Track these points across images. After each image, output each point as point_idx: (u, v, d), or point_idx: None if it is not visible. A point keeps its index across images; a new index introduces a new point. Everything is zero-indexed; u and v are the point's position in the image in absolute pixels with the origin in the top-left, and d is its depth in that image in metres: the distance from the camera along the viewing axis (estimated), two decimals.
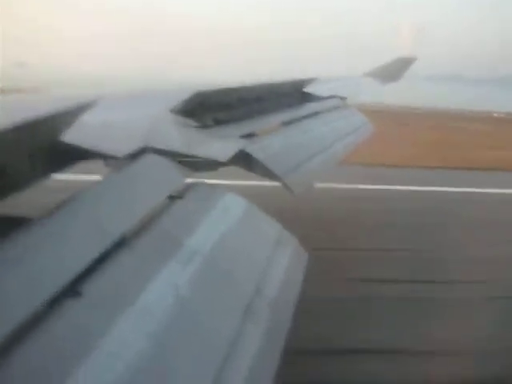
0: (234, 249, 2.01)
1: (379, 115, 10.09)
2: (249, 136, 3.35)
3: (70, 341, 1.21)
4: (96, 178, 2.02)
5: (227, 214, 2.20)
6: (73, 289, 1.33)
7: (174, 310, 1.45)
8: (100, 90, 4.18)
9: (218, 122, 3.38)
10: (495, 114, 21.59)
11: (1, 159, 1.78)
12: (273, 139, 3.64)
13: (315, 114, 4.98)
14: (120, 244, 1.60)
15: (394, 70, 9.96)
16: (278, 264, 2.09)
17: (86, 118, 2.02)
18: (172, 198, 2.06)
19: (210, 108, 3.46)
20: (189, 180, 2.34)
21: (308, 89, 5.35)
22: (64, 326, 1.24)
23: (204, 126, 3.19)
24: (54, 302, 1.27)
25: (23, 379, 1.07)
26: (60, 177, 2.17)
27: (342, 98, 6.42)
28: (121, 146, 2.26)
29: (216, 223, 2.06)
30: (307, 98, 5.29)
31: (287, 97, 4.92)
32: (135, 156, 2.23)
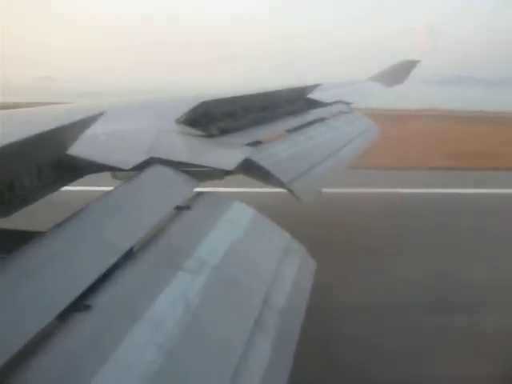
0: (242, 259, 2.01)
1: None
2: (254, 144, 3.35)
3: (81, 354, 1.21)
4: (104, 189, 2.04)
5: (235, 223, 2.20)
6: (82, 302, 1.34)
7: (184, 322, 1.45)
8: (107, 101, 4.22)
9: (224, 131, 3.39)
10: None
11: (10, 173, 1.80)
12: (278, 146, 3.64)
13: (320, 119, 4.97)
14: (129, 256, 1.61)
15: (398, 73, 9.96)
16: (287, 273, 2.08)
17: (93, 130, 2.04)
18: (180, 208, 2.07)
19: (215, 117, 3.48)
20: (196, 189, 2.36)
21: (312, 95, 5.35)
22: (74, 340, 1.24)
23: (210, 136, 3.21)
24: (64, 316, 1.28)
25: None
26: (69, 189, 2.19)
27: (347, 103, 6.42)
28: (128, 158, 2.28)
29: (224, 233, 2.06)
30: (312, 104, 5.30)
31: (292, 104, 4.93)
32: (142, 167, 2.24)
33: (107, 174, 2.60)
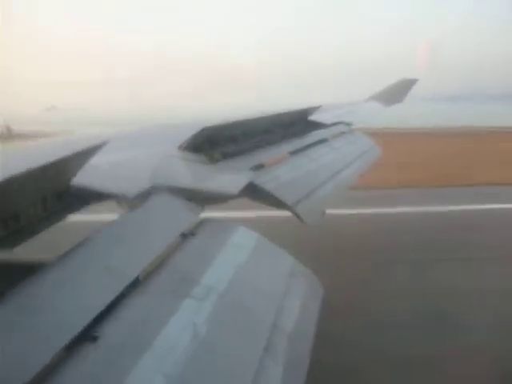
0: (248, 284, 2.00)
1: None
2: (257, 168, 3.37)
3: None
4: (109, 217, 2.05)
5: (240, 249, 2.20)
6: (90, 333, 1.34)
7: (193, 349, 1.44)
8: (109, 130, 4.27)
9: (226, 156, 3.42)
10: None
11: (15, 204, 1.82)
12: (281, 169, 3.66)
13: (322, 141, 5.00)
14: (135, 285, 1.61)
15: (398, 92, 10.04)
16: (294, 297, 2.07)
17: (96, 159, 2.06)
18: (184, 235, 2.07)
19: (217, 142, 3.51)
20: (201, 215, 2.36)
21: (313, 117, 5.40)
22: (82, 371, 1.24)
23: (212, 161, 3.23)
24: (72, 347, 1.28)
25: None
26: (75, 218, 2.20)
27: (348, 124, 6.46)
28: (131, 186, 2.29)
29: (229, 259, 2.06)
30: (313, 126, 5.33)
31: (293, 126, 4.97)
32: (146, 195, 2.26)
33: (112, 202, 2.61)
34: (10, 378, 1.10)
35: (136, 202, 2.22)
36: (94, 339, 1.33)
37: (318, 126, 5.42)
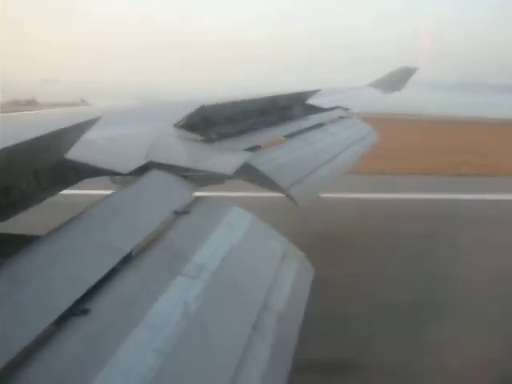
0: (240, 263, 2.01)
1: None
2: (253, 149, 3.36)
3: (79, 358, 1.21)
4: (103, 193, 2.03)
5: (233, 228, 2.20)
6: (81, 306, 1.34)
7: (183, 326, 1.45)
8: (104, 104, 4.23)
9: (223, 136, 3.40)
10: None
11: (7, 177, 1.80)
12: (277, 151, 3.65)
13: (319, 125, 4.99)
14: (127, 260, 1.61)
15: (397, 80, 10.01)
16: (285, 278, 2.08)
17: (91, 134, 2.04)
18: (178, 213, 2.07)
19: (214, 122, 3.49)
20: (195, 194, 2.36)
21: (311, 100, 5.38)
22: (73, 344, 1.24)
23: (209, 140, 3.21)
24: (63, 320, 1.27)
25: None
26: (68, 193, 2.19)
27: (346, 109, 6.44)
28: (126, 162, 2.28)
29: (222, 238, 2.06)
30: (311, 109, 5.32)
31: (290, 109, 4.95)
32: (141, 172, 2.24)
33: (106, 178, 2.60)
34: None
35: (130, 178, 2.20)
36: (85, 312, 1.32)
37: (315, 109, 5.40)
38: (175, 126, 3.13)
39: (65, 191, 2.14)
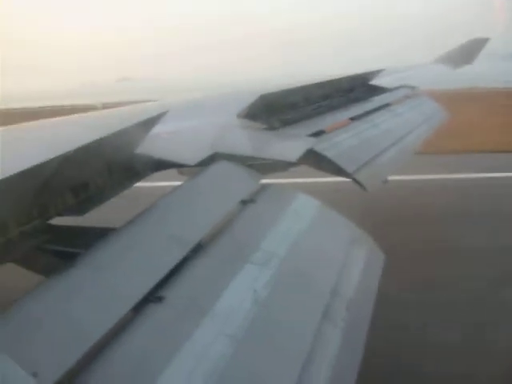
0: (309, 250, 2.00)
1: None
2: (317, 134, 3.32)
3: (156, 344, 1.27)
4: (172, 184, 2.10)
5: (300, 215, 2.19)
6: (156, 294, 1.40)
7: (253, 314, 1.47)
8: (169, 100, 4.34)
9: (285, 123, 3.38)
10: None
11: (84, 174, 1.91)
12: (342, 136, 3.58)
13: (384, 106, 4.83)
14: (198, 250, 1.66)
15: (467, 53, 9.46)
16: (354, 265, 2.05)
17: (158, 128, 2.11)
18: (245, 202, 2.09)
19: (276, 109, 3.48)
20: (261, 182, 2.37)
21: (375, 81, 5.21)
22: (149, 330, 1.30)
23: (271, 128, 3.21)
24: (139, 307, 1.34)
25: (112, 382, 1.14)
26: (140, 185, 2.29)
27: (412, 87, 6.19)
28: (192, 154, 2.33)
29: (290, 225, 2.06)
30: (375, 90, 5.16)
31: (354, 91, 4.83)
32: (207, 163, 2.29)
33: (174, 170, 2.68)
34: (80, 336, 1.16)
35: (197, 169, 2.26)
36: (160, 300, 1.38)
37: (379, 90, 5.23)
38: (238, 116, 3.16)
39: (137, 184, 2.24)
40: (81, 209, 1.88)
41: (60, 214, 1.82)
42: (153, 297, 1.38)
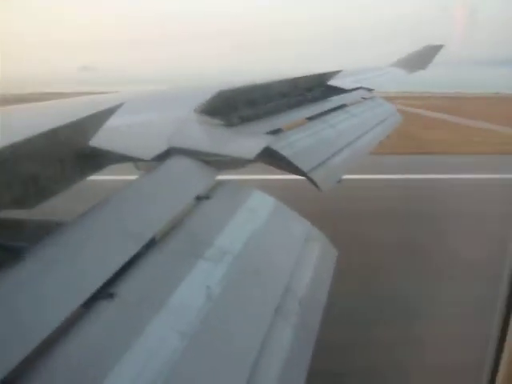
0: (263, 247, 2.02)
1: None
2: (275, 132, 3.34)
3: (106, 341, 1.25)
4: (126, 178, 2.07)
5: (255, 212, 2.21)
6: (106, 290, 1.38)
7: (206, 310, 1.47)
8: (125, 92, 4.26)
9: (243, 120, 3.39)
10: None
11: (34, 165, 1.84)
12: (299, 134, 3.62)
13: (341, 107, 4.92)
14: (151, 245, 1.64)
15: (422, 59, 9.77)
16: (308, 262, 2.08)
17: (113, 121, 2.06)
18: (200, 198, 2.09)
19: (234, 106, 3.47)
20: (216, 178, 2.37)
21: (333, 82, 5.30)
22: (99, 327, 1.28)
23: (229, 125, 3.21)
24: (89, 304, 1.31)
25: (61, 378, 1.11)
26: (93, 179, 2.23)
27: (369, 89, 6.33)
28: (148, 149, 2.30)
29: (244, 222, 2.07)
30: (332, 90, 5.24)
31: (312, 91, 4.89)
32: (163, 157, 2.27)
33: (130, 164, 2.63)
34: (28, 333, 1.13)
35: (153, 164, 2.23)
36: (111, 296, 1.36)
37: (337, 91, 5.32)
38: (195, 111, 3.13)
39: (91, 177, 2.19)
40: (30, 201, 1.82)
41: (7, 207, 1.76)
42: (104, 293, 1.36)
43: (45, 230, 1.50)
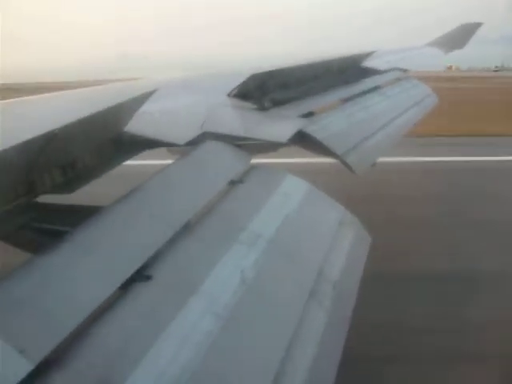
0: (296, 231, 2.02)
1: None
2: (307, 115, 3.31)
3: (142, 323, 1.28)
4: (161, 163, 2.09)
5: (289, 196, 2.20)
6: (143, 273, 1.41)
7: (240, 293, 1.49)
8: (159, 78, 4.29)
9: (276, 103, 3.37)
10: None
11: (72, 152, 1.89)
12: (332, 117, 3.57)
13: (375, 88, 4.82)
14: (186, 229, 1.66)
15: (459, 38, 9.43)
16: (341, 246, 2.07)
17: (147, 107, 2.08)
18: (234, 182, 2.09)
19: (266, 90, 3.45)
20: (250, 162, 2.37)
21: (366, 63, 5.19)
22: (136, 309, 1.31)
23: (262, 108, 3.20)
24: (126, 286, 1.34)
25: (99, 360, 1.15)
26: (128, 163, 2.27)
27: (404, 70, 6.17)
28: (182, 134, 2.32)
29: (278, 206, 2.07)
30: (366, 72, 5.13)
31: (345, 73, 4.80)
32: (196, 142, 2.28)
33: (164, 149, 2.66)
34: (66, 315, 1.17)
35: (186, 149, 2.24)
36: (148, 278, 1.39)
37: (371, 72, 5.21)
38: (228, 95, 3.13)
39: (126, 162, 2.23)
40: (69, 187, 1.87)
41: (48, 192, 1.81)
42: (140, 275, 1.38)
43: (83, 215, 1.54)
